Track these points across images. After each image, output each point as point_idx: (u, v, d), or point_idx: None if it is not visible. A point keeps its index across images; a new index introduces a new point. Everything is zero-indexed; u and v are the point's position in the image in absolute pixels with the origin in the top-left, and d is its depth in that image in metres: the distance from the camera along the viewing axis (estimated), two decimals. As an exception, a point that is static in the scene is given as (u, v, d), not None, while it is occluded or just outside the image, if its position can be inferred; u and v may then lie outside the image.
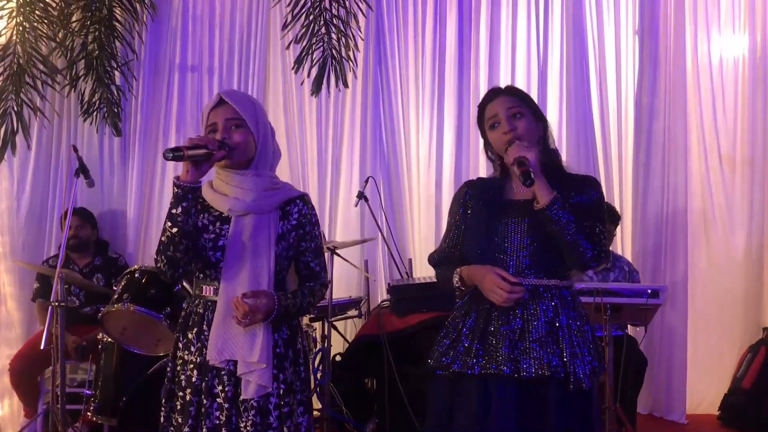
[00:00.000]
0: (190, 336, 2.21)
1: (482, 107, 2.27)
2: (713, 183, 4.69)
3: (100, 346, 3.74)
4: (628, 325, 4.08)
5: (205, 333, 2.16)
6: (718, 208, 4.69)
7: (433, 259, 2.37)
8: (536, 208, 2.11)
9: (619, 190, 4.81)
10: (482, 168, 4.62)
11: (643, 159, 4.70)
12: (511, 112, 2.19)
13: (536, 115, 2.24)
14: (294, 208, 2.25)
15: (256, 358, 2.11)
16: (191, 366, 2.18)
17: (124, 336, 3.54)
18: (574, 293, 2.24)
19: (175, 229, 2.08)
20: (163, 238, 2.12)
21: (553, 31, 4.82)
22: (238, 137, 2.16)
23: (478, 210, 2.24)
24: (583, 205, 2.18)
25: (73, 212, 4.36)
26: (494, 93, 2.28)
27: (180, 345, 2.23)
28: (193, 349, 2.19)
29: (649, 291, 3.43)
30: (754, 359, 4.51)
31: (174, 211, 2.08)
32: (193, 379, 2.16)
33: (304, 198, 2.30)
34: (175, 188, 2.09)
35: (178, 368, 2.22)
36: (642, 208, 4.70)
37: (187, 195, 2.08)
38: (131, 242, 4.71)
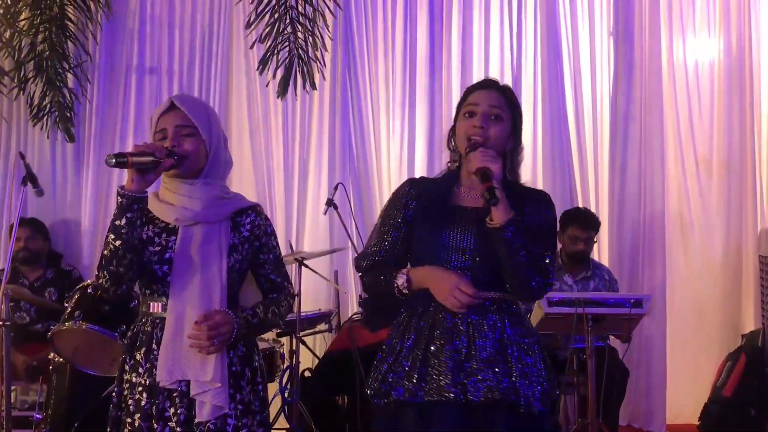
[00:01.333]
0: (138, 357, 2.05)
1: (468, 92, 2.08)
2: (690, 186, 4.61)
3: (51, 367, 3.52)
4: (610, 336, 3.95)
5: (155, 352, 2.01)
6: (695, 212, 4.61)
7: (361, 265, 2.12)
8: (489, 226, 1.91)
9: (595, 195, 4.70)
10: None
11: (619, 163, 4.60)
12: (491, 111, 2.00)
13: (515, 128, 2.05)
14: (246, 219, 2.12)
15: (210, 377, 1.97)
16: (140, 389, 2.02)
17: (76, 356, 3.32)
18: (521, 307, 2.09)
19: (118, 242, 1.94)
20: (105, 252, 1.97)
21: (527, 33, 4.70)
22: (188, 146, 2.03)
23: (421, 214, 2.03)
24: (535, 226, 1.99)
25: (23, 223, 4.15)
26: (487, 84, 2.09)
27: (127, 367, 2.07)
28: (141, 370, 2.03)
29: (632, 300, 3.31)
30: (735, 367, 4.41)
31: (117, 222, 1.93)
32: (143, 403, 2.00)
33: (256, 209, 2.16)
34: (118, 198, 1.94)
35: (125, 392, 2.06)
36: (618, 214, 4.59)
37: (132, 205, 1.93)
38: (86, 254, 4.49)
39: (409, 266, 2.03)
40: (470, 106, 2.03)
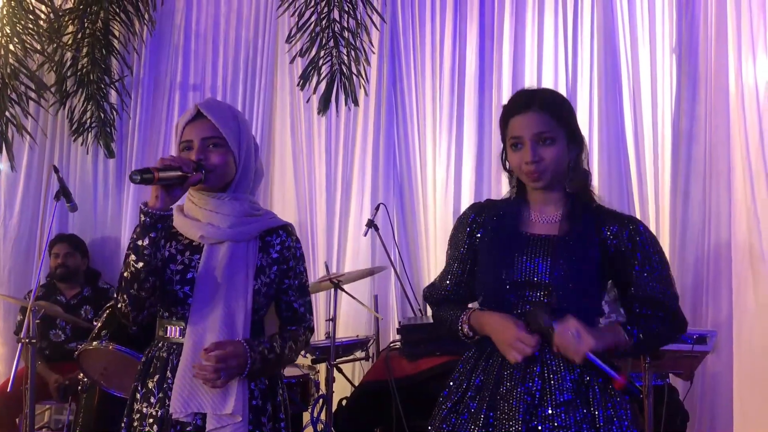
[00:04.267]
0: (150, 385, 1.89)
1: (506, 117, 1.86)
2: (761, 214, 4.25)
3: (80, 387, 3.44)
4: (670, 374, 3.64)
5: (169, 381, 1.85)
6: (766, 242, 4.25)
7: (430, 297, 2.00)
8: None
9: (656, 222, 4.39)
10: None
11: (682, 187, 4.29)
12: (539, 138, 1.79)
13: (570, 136, 1.84)
14: (276, 240, 1.96)
15: (230, 410, 1.79)
16: (150, 420, 1.86)
17: (104, 377, 3.22)
18: None
19: (140, 264, 1.77)
20: (125, 274, 1.80)
21: (583, 49, 4.45)
22: (216, 159, 1.87)
23: (489, 241, 1.86)
24: (631, 250, 1.82)
25: (61, 239, 4.13)
26: (524, 104, 1.84)
27: (138, 395, 1.91)
28: (153, 400, 1.87)
29: (696, 336, 3.01)
30: (808, 412, 4.04)
31: (140, 243, 1.77)
32: None
33: (287, 228, 2.00)
34: (141, 216, 1.78)
35: (135, 423, 1.90)
36: (680, 242, 4.27)
37: (156, 224, 1.77)
38: (124, 272, 4.39)
39: (469, 313, 1.87)
40: (514, 138, 1.83)
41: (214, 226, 1.88)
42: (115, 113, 4.27)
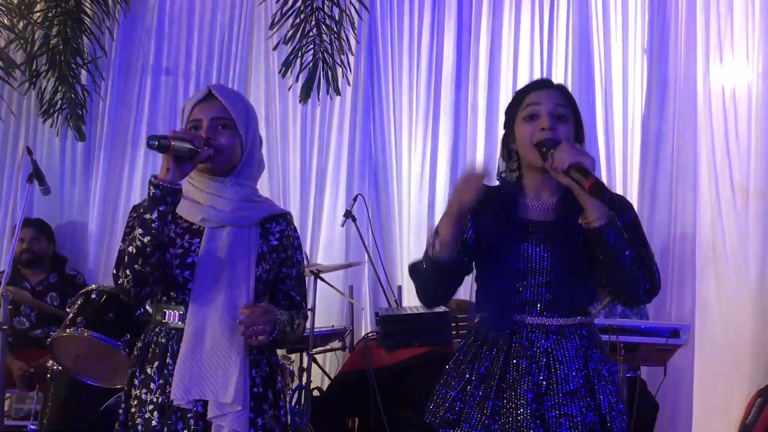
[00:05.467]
0: (149, 371, 1.85)
1: (523, 94, 1.86)
2: (725, 213, 4.39)
3: (49, 375, 3.35)
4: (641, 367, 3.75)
5: (169, 367, 1.81)
6: (729, 239, 4.39)
7: (414, 267, 1.87)
8: (590, 226, 1.68)
9: (624, 219, 4.50)
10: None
11: (650, 186, 4.40)
12: (557, 111, 1.78)
13: (578, 129, 1.85)
14: (276, 227, 1.95)
15: (231, 398, 1.76)
16: (150, 407, 1.82)
17: (76, 364, 3.16)
18: (597, 330, 1.89)
19: (147, 238, 1.73)
20: (130, 249, 1.76)
21: (558, 48, 4.52)
22: (224, 139, 1.84)
23: (490, 228, 1.83)
24: (629, 226, 1.78)
25: (28, 223, 4.00)
26: (543, 83, 1.87)
27: (136, 381, 1.87)
28: (153, 386, 1.83)
29: (670, 330, 3.10)
30: (765, 405, 4.18)
31: (147, 216, 1.73)
32: (153, 423, 1.80)
33: (286, 217, 1.99)
34: (151, 188, 1.74)
35: (133, 410, 1.85)
36: (648, 239, 4.37)
37: (166, 197, 1.73)
38: (92, 258, 4.33)
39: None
40: (530, 107, 1.81)
41: (215, 209, 1.86)
42: (86, 95, 4.14)
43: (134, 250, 1.75)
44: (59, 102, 4.09)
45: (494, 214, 1.84)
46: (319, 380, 3.97)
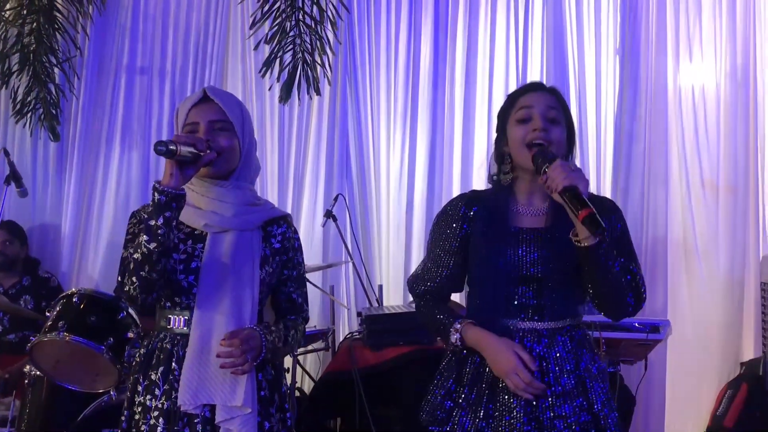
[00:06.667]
0: (153, 377, 1.83)
1: (516, 97, 1.89)
2: (695, 211, 4.51)
3: (26, 380, 3.27)
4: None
5: (175, 373, 1.80)
6: (699, 236, 4.50)
7: (415, 288, 1.97)
8: (580, 244, 1.70)
9: (597, 216, 4.57)
10: (456, 190, 4.31)
11: (622, 184, 4.49)
12: (549, 114, 1.82)
13: (570, 131, 1.88)
14: (277, 230, 1.95)
15: (240, 401, 1.77)
16: (155, 413, 1.80)
17: (56, 369, 3.09)
18: (586, 329, 1.92)
19: (153, 245, 1.71)
20: (136, 255, 1.74)
21: (533, 48, 4.58)
22: (223, 141, 1.84)
23: (479, 237, 1.85)
24: (616, 238, 1.82)
25: (0, 225, 3.90)
26: (535, 86, 1.91)
27: (139, 388, 1.85)
28: (158, 392, 1.82)
29: (650, 326, 3.18)
30: (735, 396, 4.30)
31: (153, 222, 1.71)
32: (159, 429, 1.79)
33: (287, 219, 1.99)
34: (155, 195, 1.72)
35: (138, 416, 1.84)
36: (624, 238, 4.47)
37: (171, 203, 1.71)
38: (65, 261, 4.24)
39: (464, 324, 1.83)
40: (523, 110, 1.83)
41: (218, 215, 1.85)
42: (60, 94, 4.06)
43: (140, 257, 1.73)
44: (33, 102, 4.00)
45: (485, 220, 1.86)
46: (299, 381, 3.96)
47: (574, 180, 1.64)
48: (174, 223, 1.75)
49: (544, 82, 4.42)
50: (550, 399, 1.76)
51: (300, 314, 2.01)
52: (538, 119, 1.80)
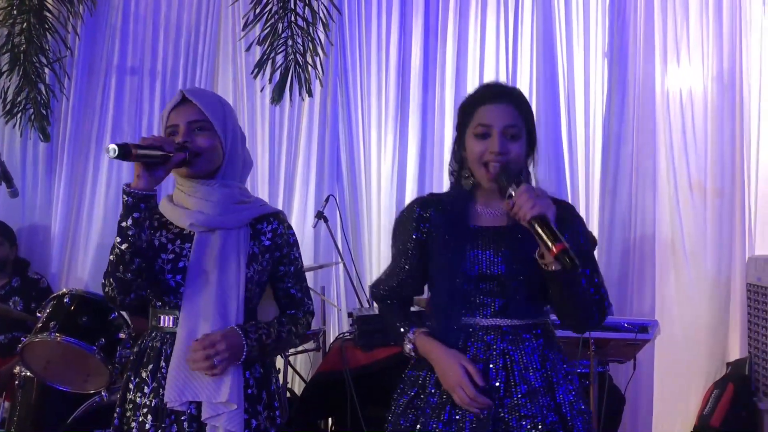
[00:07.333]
0: (143, 375, 1.86)
1: (473, 106, 1.81)
2: (683, 211, 4.55)
3: (17, 382, 3.27)
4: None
5: (163, 371, 1.83)
6: (687, 237, 4.54)
7: (376, 292, 2.00)
8: (548, 268, 1.66)
9: (586, 217, 4.60)
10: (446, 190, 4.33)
11: (611, 185, 4.53)
12: (509, 131, 1.76)
13: (531, 136, 1.83)
14: (267, 227, 1.95)
15: (225, 397, 1.79)
16: (144, 410, 1.83)
17: (47, 370, 3.09)
18: (552, 328, 1.89)
19: (124, 245, 1.74)
20: (111, 257, 1.77)
21: (522, 51, 4.61)
22: (202, 141, 1.86)
23: (437, 238, 1.83)
24: (578, 249, 1.73)
25: (-11, 226, 3.90)
26: (495, 95, 1.81)
27: (131, 386, 1.88)
28: (147, 389, 1.84)
29: (639, 325, 3.21)
30: (722, 396, 4.34)
31: (123, 223, 1.74)
32: (147, 426, 1.81)
33: (278, 216, 1.99)
34: (124, 196, 1.74)
35: (128, 413, 1.86)
36: (608, 237, 4.51)
37: (139, 204, 1.74)
38: (55, 262, 4.23)
39: (417, 333, 1.84)
40: (482, 126, 1.77)
41: (203, 214, 1.87)
42: (50, 94, 4.05)
43: (114, 258, 1.77)
44: (23, 102, 3.99)
45: (443, 220, 1.84)
46: (290, 382, 3.96)
47: (543, 208, 1.61)
48: (146, 224, 1.77)
49: (534, 85, 4.52)
50: (515, 399, 1.74)
51: (300, 308, 2.01)
52: (496, 141, 1.75)
